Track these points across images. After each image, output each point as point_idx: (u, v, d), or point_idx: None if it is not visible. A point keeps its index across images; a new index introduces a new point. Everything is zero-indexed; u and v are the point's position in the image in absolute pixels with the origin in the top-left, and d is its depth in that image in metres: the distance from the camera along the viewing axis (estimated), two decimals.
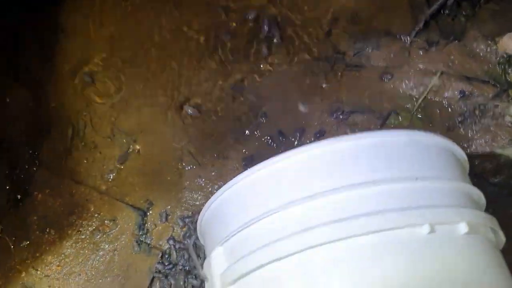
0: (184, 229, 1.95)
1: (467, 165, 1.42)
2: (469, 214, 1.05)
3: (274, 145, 2.04)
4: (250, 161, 2.02)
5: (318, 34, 2.21)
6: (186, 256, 1.88)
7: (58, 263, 1.96)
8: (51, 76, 2.23)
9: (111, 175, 2.07)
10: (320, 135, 2.03)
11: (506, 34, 2.04)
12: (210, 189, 2.00)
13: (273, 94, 2.12)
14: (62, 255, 1.97)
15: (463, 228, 1.01)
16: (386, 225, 0.95)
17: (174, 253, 1.92)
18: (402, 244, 0.95)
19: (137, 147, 2.10)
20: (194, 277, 1.86)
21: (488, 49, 2.09)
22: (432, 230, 0.97)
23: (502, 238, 1.21)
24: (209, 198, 1.87)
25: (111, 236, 1.99)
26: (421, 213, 0.99)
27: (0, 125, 2.12)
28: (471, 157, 1.50)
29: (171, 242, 1.94)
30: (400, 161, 1.12)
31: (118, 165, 2.08)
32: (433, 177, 1.13)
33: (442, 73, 2.04)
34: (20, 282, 1.95)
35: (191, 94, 2.16)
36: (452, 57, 2.09)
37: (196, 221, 1.89)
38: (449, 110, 2.06)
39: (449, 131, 2.03)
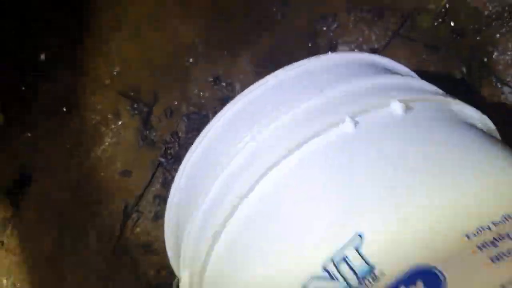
0: (189, 124, 1.88)
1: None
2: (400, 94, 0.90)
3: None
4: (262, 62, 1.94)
5: None
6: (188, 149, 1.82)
7: (60, 153, 1.92)
8: None
9: (117, 68, 2.00)
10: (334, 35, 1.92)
11: None
12: (217, 87, 1.92)
13: None
14: (67, 142, 1.93)
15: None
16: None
17: (177, 146, 1.86)
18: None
19: (142, 40, 2.01)
20: None
21: None
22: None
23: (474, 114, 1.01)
24: (216, 94, 1.81)
25: (115, 129, 1.94)
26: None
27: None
28: None
29: (174, 136, 1.88)
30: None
31: (123, 58, 2.00)
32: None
33: None
34: (22, 168, 1.92)
35: None
36: None
37: (201, 116, 1.84)
38: (476, 11, 1.92)
39: (475, 34, 1.91)
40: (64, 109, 1.97)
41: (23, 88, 2.01)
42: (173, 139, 1.88)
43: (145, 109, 1.94)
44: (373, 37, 1.89)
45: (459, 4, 1.92)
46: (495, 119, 1.74)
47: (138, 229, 1.86)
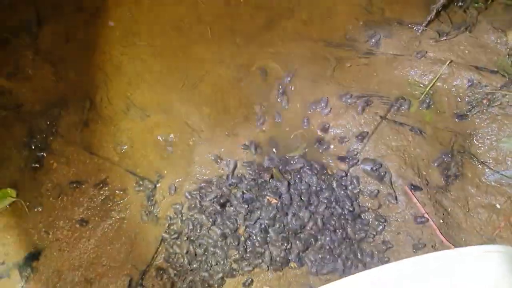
0: (191, 201, 2.00)
1: None
2: None
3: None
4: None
5: (331, 21, 2.26)
6: (190, 226, 1.93)
7: (69, 228, 2.03)
8: (72, 53, 2.32)
9: (124, 147, 2.14)
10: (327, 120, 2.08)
11: None
12: (218, 165, 2.06)
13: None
14: (73, 221, 2.03)
15: None
16: None
17: (179, 222, 1.97)
18: None
19: (150, 121, 2.17)
20: (198, 245, 1.91)
21: (498, 41, 2.12)
22: None
23: None
24: (217, 171, 1.94)
25: (121, 205, 2.06)
26: None
27: (21, 94, 2.22)
28: None
29: (178, 213, 1.99)
30: None
31: (130, 138, 2.14)
32: None
33: (451, 61, 2.07)
34: (32, 244, 2.02)
35: (205, 74, 2.22)
36: (462, 47, 2.12)
37: (203, 194, 1.96)
38: (457, 98, 2.09)
39: (456, 119, 2.06)
40: (74, 185, 2.09)
41: (33, 165, 2.13)
42: (176, 215, 2.00)
43: (150, 186, 2.06)
44: (362, 121, 2.04)
45: (442, 91, 2.09)
46: (479, 199, 1.87)
47: None
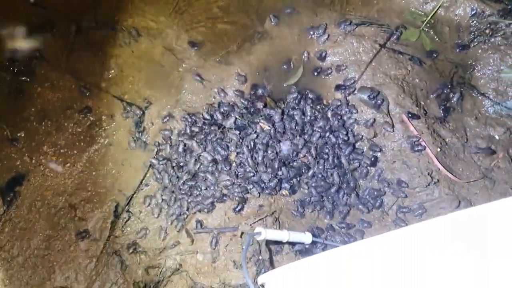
0: (181, 126, 1.92)
1: None
2: None
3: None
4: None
5: None
6: (180, 152, 1.87)
7: (53, 153, 1.96)
8: None
9: (112, 73, 2.05)
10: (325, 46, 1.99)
11: None
12: (209, 93, 1.98)
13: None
14: (58, 146, 1.96)
15: None
16: None
17: (168, 148, 1.90)
18: None
19: (139, 47, 2.07)
20: (187, 171, 1.85)
21: None
22: None
23: None
24: (208, 99, 1.86)
25: (108, 131, 1.99)
26: None
27: (2, 15, 2.11)
28: None
29: (167, 139, 1.92)
30: None
31: (118, 64, 2.05)
32: None
33: None
34: (14, 170, 1.95)
35: None
36: None
37: (194, 121, 1.89)
38: (459, 28, 2.01)
39: (457, 49, 1.99)
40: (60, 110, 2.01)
41: (16, 90, 2.04)
42: (164, 141, 1.93)
43: (138, 112, 1.98)
44: (361, 49, 1.96)
45: (444, 20, 2.01)
46: (478, 131, 1.82)
47: (128, 229, 1.89)
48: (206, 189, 1.83)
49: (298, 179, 1.86)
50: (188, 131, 1.90)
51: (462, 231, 1.01)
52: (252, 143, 1.84)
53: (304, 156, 1.85)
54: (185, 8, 2.10)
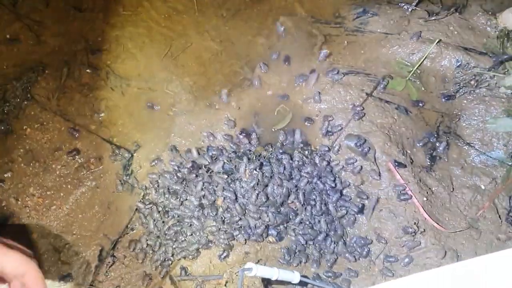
0: (169, 170, 1.92)
1: None
2: None
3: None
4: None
5: None
6: (166, 196, 1.86)
7: (39, 195, 1.94)
8: (52, 17, 2.24)
9: (102, 115, 2.06)
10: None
11: (506, 9, 2.05)
12: (198, 136, 1.99)
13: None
14: (45, 188, 1.95)
15: None
16: None
17: (154, 192, 1.90)
18: None
19: (130, 91, 2.09)
20: (173, 215, 1.84)
21: (488, 23, 2.10)
22: None
23: None
24: (197, 142, 1.87)
25: (96, 173, 1.98)
26: None
27: None
28: None
29: (154, 183, 1.92)
30: None
31: (108, 107, 2.07)
32: None
33: (440, 41, 2.03)
34: (0, 211, 1.93)
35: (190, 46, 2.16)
36: (451, 28, 2.09)
37: (182, 165, 1.89)
38: (445, 78, 2.05)
39: (443, 99, 2.03)
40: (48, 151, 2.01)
41: (5, 130, 2.04)
42: (151, 185, 1.92)
43: (126, 155, 1.99)
44: (348, 97, 1.99)
45: (430, 71, 2.06)
46: (464, 180, 1.83)
47: (112, 274, 1.86)
48: (191, 234, 1.81)
49: (285, 225, 1.85)
50: (175, 174, 1.90)
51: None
52: (239, 188, 1.84)
53: (292, 202, 1.85)
54: (177, 54, 2.13)
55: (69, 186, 1.97)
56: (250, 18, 2.22)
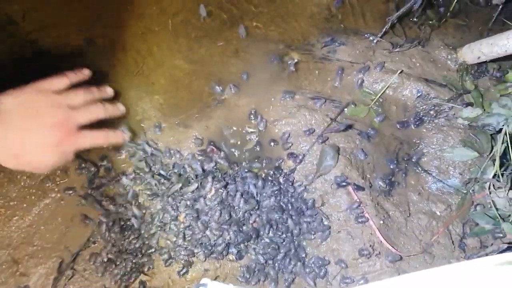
0: (134, 184, 1.95)
1: None
2: None
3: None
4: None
5: (292, 26, 2.30)
6: (126, 211, 1.89)
7: (1, 205, 1.94)
8: None
9: None
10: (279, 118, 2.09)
11: (466, 45, 2.15)
12: (165, 153, 2.03)
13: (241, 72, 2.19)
14: (8, 198, 1.95)
15: None
16: None
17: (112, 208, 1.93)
18: None
19: None
20: (133, 231, 1.86)
21: (449, 57, 2.20)
22: None
23: None
24: (164, 159, 1.90)
25: (61, 186, 1.99)
26: None
27: None
28: None
29: (117, 196, 1.95)
30: None
31: None
32: None
33: (402, 71, 2.13)
34: None
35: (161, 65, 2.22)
36: (414, 59, 2.19)
37: (146, 180, 1.92)
38: (406, 107, 2.14)
39: (403, 127, 2.11)
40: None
41: None
42: (115, 201, 1.95)
43: (92, 169, 2.01)
44: (313, 121, 2.06)
45: (391, 100, 2.14)
46: (420, 206, 1.90)
47: (71, 287, 1.86)
48: (152, 250, 1.84)
49: (246, 244, 1.89)
50: (140, 189, 1.93)
51: None
52: (202, 205, 1.88)
53: (254, 221, 1.89)
54: (149, 72, 2.18)
55: (33, 197, 1.97)
56: (223, 40, 2.28)
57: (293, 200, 1.94)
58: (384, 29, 2.19)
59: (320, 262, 1.88)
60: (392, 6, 2.31)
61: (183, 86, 2.17)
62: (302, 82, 2.18)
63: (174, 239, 1.82)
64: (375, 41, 2.22)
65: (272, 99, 2.11)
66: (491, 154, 1.97)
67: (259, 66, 2.21)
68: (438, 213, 1.98)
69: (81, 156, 2.03)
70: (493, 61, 2.12)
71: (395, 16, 2.16)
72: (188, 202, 1.88)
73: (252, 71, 2.18)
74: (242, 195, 1.89)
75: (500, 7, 2.24)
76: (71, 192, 1.98)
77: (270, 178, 1.98)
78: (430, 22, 2.29)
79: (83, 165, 2.02)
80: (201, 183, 1.90)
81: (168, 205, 1.86)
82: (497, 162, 1.93)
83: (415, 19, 2.30)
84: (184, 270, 1.81)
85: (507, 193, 1.89)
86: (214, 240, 1.82)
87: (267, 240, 1.88)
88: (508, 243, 1.88)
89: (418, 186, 2.04)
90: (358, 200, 1.89)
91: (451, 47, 2.23)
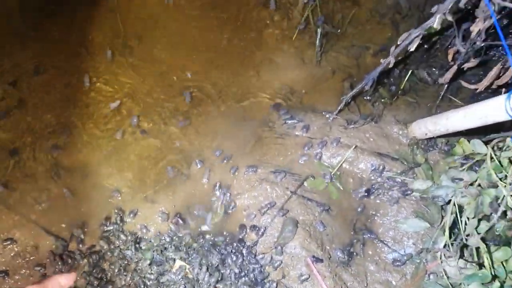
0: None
1: None
2: None
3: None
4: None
5: (254, 103, 2.47)
6: (94, 284, 1.95)
7: None
8: None
9: (43, 206, 2.18)
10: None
11: (414, 122, 2.32)
12: (132, 229, 2.12)
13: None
14: None
15: None
16: None
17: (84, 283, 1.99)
18: None
19: (72, 181, 2.24)
20: None
21: (400, 132, 2.36)
22: None
23: None
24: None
25: (31, 262, 2.06)
26: None
27: None
28: None
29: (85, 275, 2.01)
30: None
31: (49, 197, 2.20)
32: None
33: (356, 146, 2.27)
34: None
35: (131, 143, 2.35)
36: (368, 135, 2.35)
37: (113, 254, 2.00)
38: (362, 180, 2.27)
39: (360, 199, 2.23)
40: None
41: None
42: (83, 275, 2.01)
43: (63, 244, 2.08)
44: (274, 194, 2.18)
45: (348, 172, 2.27)
46: (377, 276, 1.98)
47: None
48: None
49: None
50: (106, 264, 2.00)
51: None
52: (168, 280, 1.95)
53: None
54: (118, 147, 2.31)
55: (2, 274, 2.03)
56: (189, 118, 2.43)
57: (255, 272, 2.02)
58: (339, 107, 2.36)
59: None
60: (347, 85, 2.49)
61: (151, 162, 2.30)
62: (264, 156, 2.31)
63: None
64: (331, 118, 2.38)
65: (237, 172, 2.23)
66: (441, 224, 2.08)
67: (225, 141, 2.35)
68: (394, 283, 2.07)
69: (51, 232, 2.11)
70: (441, 136, 2.27)
71: (349, 96, 2.33)
72: (153, 277, 1.94)
73: (218, 146, 2.32)
74: (206, 267, 1.97)
75: (446, 86, 2.43)
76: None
77: (233, 250, 2.07)
78: (383, 99, 2.47)
79: (54, 241, 2.09)
80: (165, 258, 1.98)
81: (134, 280, 1.93)
82: (447, 232, 2.04)
83: (368, 97, 2.47)
84: None
85: (457, 262, 1.99)
86: None
87: None
88: None
89: (375, 256, 2.13)
90: (317, 272, 1.98)
91: (402, 123, 2.39)
